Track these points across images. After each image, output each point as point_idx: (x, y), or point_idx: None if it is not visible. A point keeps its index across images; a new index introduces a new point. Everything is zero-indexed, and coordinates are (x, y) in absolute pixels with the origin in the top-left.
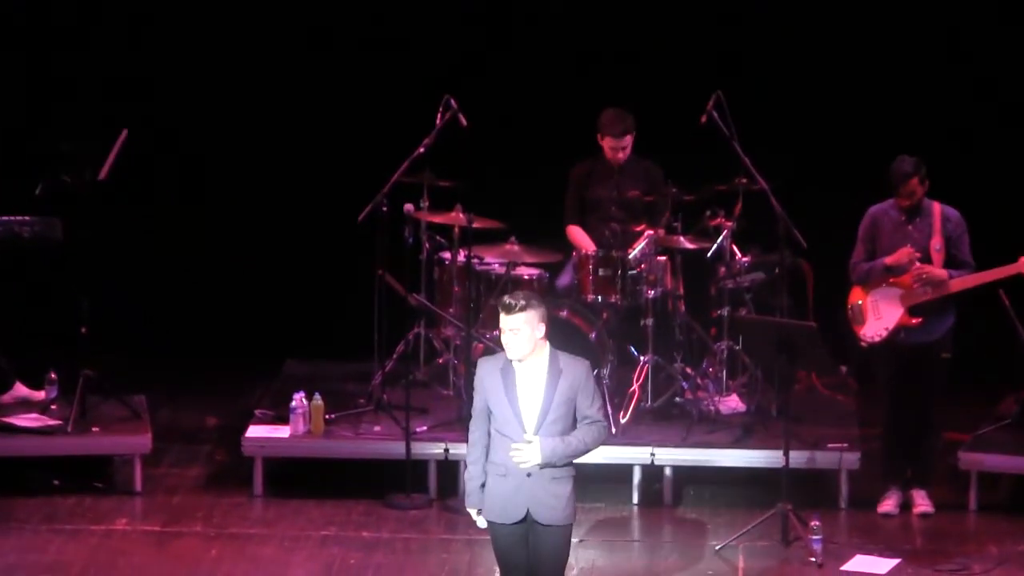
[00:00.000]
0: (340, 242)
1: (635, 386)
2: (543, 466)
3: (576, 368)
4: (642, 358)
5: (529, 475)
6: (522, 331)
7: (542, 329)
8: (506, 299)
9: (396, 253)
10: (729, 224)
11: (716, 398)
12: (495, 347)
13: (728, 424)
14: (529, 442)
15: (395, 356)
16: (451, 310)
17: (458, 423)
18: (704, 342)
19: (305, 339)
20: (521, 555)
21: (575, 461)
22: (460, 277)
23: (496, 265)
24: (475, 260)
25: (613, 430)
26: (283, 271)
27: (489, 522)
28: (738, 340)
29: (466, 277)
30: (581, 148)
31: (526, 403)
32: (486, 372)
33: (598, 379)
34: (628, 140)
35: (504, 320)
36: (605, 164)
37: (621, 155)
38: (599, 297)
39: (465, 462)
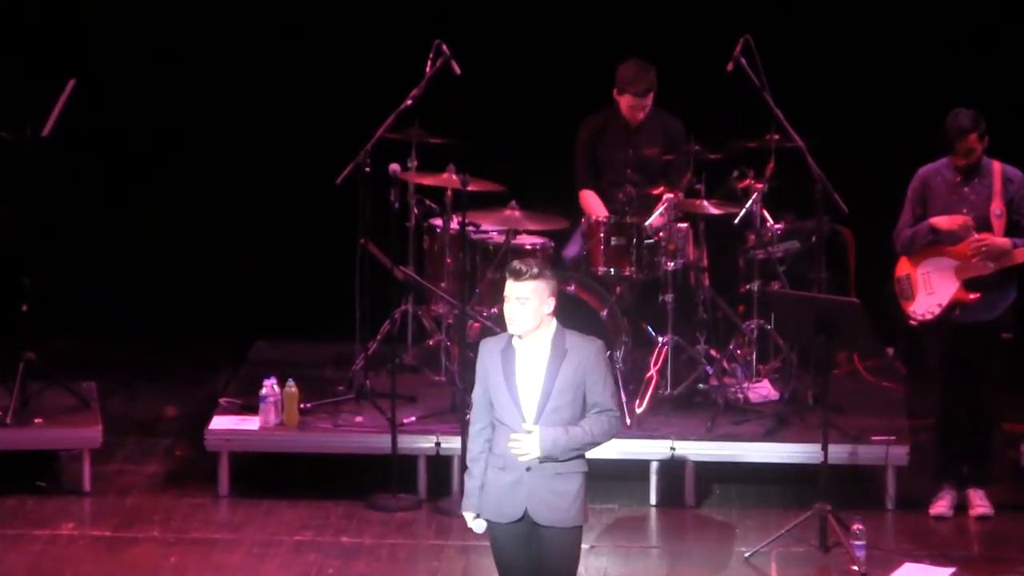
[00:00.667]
0: (316, 208)
1: (652, 371)
2: (543, 459)
3: (585, 349)
4: (660, 339)
5: (529, 469)
6: (529, 302)
7: (551, 304)
8: (515, 264)
9: (380, 220)
10: (759, 186)
11: (745, 384)
12: (493, 327)
13: (758, 414)
14: (528, 432)
15: (379, 337)
16: (443, 284)
17: (451, 413)
18: (731, 321)
19: (277, 318)
20: (522, 561)
21: (585, 456)
22: (453, 247)
23: (494, 233)
24: (470, 228)
25: (627, 421)
26: (252, 241)
27: (487, 522)
28: (770, 318)
29: (460, 247)
30: (592, 100)
31: (525, 388)
32: (486, 353)
33: (611, 362)
34: (650, 99)
35: (510, 287)
36: (620, 120)
37: (640, 114)
38: (611, 269)
39: (464, 459)
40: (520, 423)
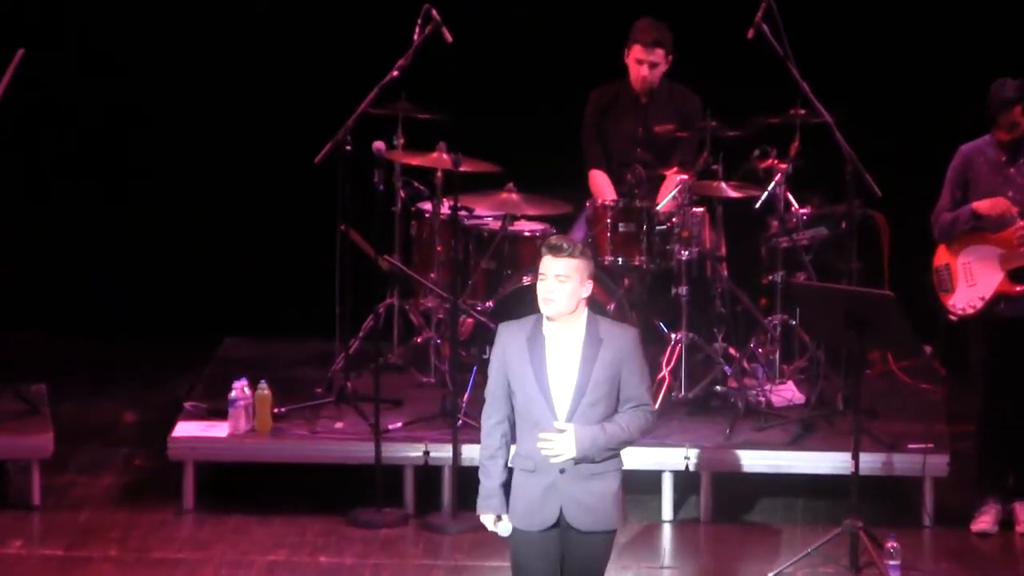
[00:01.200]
0: (292, 191)
1: (665, 371)
2: (579, 461)
3: (622, 337)
4: (673, 336)
5: (563, 471)
6: (569, 281)
7: (588, 288)
8: (555, 239)
9: (363, 204)
10: (783, 166)
11: (767, 386)
12: (487, 322)
13: (782, 419)
14: (561, 431)
15: (362, 334)
16: (432, 276)
17: (441, 418)
18: (752, 316)
19: (248, 312)
20: (548, 569)
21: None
22: (444, 234)
23: (489, 219)
24: (462, 213)
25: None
26: (220, 227)
27: (513, 529)
28: (795, 313)
29: (451, 234)
30: (601, 71)
31: (558, 380)
32: (509, 340)
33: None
34: (659, 55)
35: (549, 264)
36: (630, 92)
37: (648, 73)
38: (619, 259)
39: (479, 460)
40: (551, 420)
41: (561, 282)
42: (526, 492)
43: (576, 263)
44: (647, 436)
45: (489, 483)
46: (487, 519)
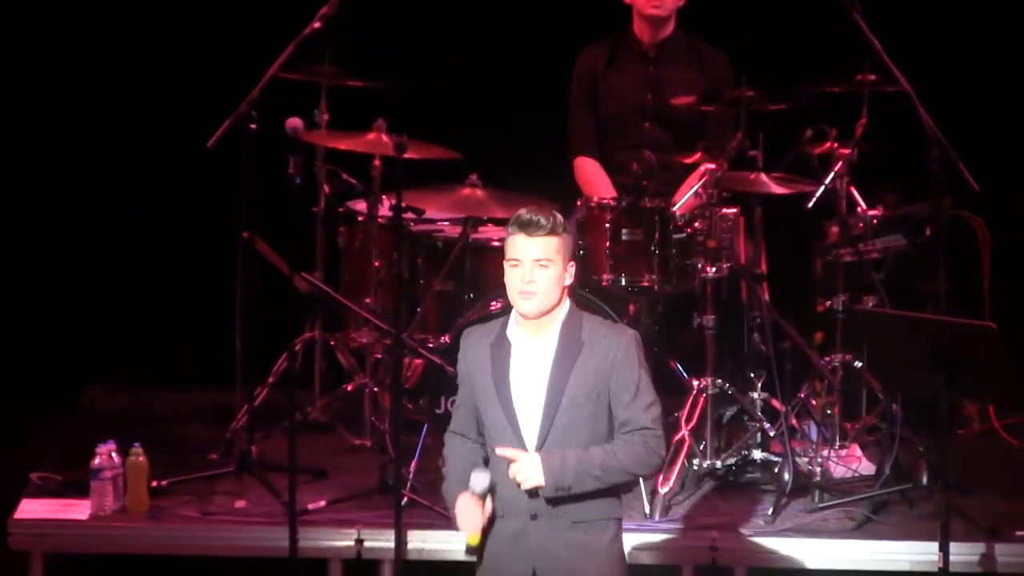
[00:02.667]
0: (176, 186)
1: (684, 431)
2: (552, 497)
3: (611, 339)
4: (695, 382)
5: (535, 516)
6: (553, 265)
7: (572, 271)
8: (526, 213)
9: (274, 202)
10: (845, 152)
11: (824, 452)
12: (444, 364)
13: (845, 497)
14: (473, 488)
15: (271, 380)
16: (368, 301)
17: (380, 495)
18: (803, 356)
19: (118, 352)
20: None
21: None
22: (383, 244)
23: (445, 224)
24: (409, 215)
25: (659, 496)
26: (77, 239)
27: None
28: (861, 352)
29: (394, 244)
30: (595, 29)
31: (525, 399)
32: (471, 348)
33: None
34: None
35: (523, 245)
36: (634, 45)
37: (657, 9)
38: (622, 278)
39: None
40: (517, 446)
41: (543, 267)
42: (493, 540)
43: (558, 241)
44: (654, 469)
45: (450, 490)
46: (461, 520)
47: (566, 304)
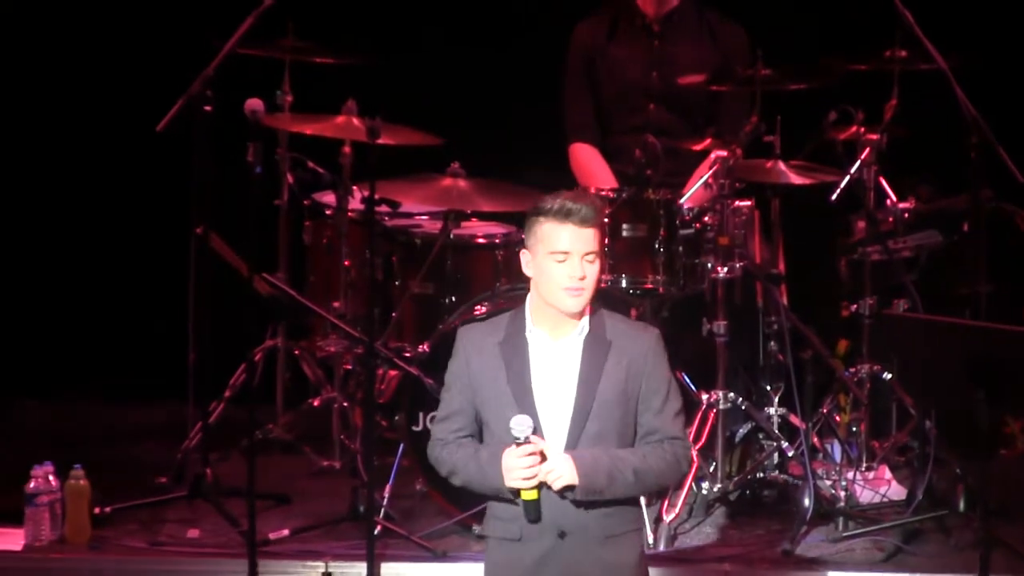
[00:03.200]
0: (122, 175)
1: (693, 450)
2: (583, 499)
3: (639, 340)
4: (704, 396)
5: (563, 535)
6: (599, 258)
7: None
8: (572, 202)
9: (231, 194)
10: (873, 138)
11: (849, 474)
12: (421, 376)
13: (873, 524)
14: (526, 440)
15: (228, 394)
16: (336, 305)
17: (350, 522)
18: (826, 366)
19: (54, 363)
20: None
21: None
22: (354, 241)
23: (424, 219)
24: (383, 209)
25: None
26: (12, 239)
27: None
28: (891, 361)
29: (366, 242)
30: (593, 3)
31: (549, 403)
32: (475, 350)
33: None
34: None
35: (573, 237)
36: (636, 17)
37: None
38: (623, 278)
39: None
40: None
41: (591, 262)
42: (511, 568)
43: (600, 233)
44: (681, 480)
45: (476, 457)
46: (515, 462)
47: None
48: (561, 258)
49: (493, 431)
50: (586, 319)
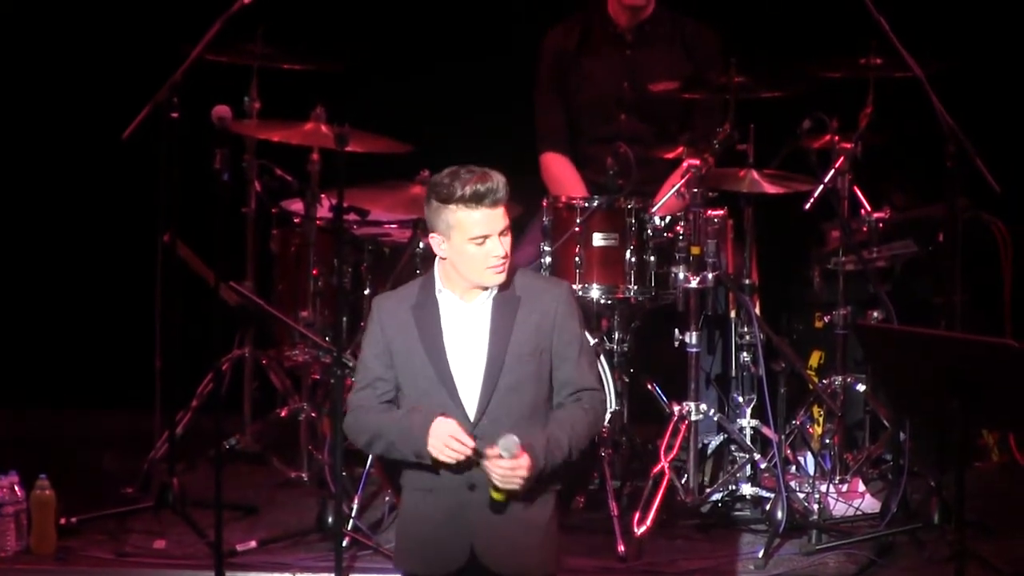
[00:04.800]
0: (87, 182)
1: (663, 463)
2: (523, 489)
3: (549, 293)
4: (676, 408)
5: (473, 486)
6: (509, 233)
7: None
8: (478, 183)
9: (197, 202)
10: (848, 146)
11: (822, 486)
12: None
13: (846, 537)
14: (503, 454)
15: (195, 403)
16: (304, 314)
17: (318, 534)
18: (799, 377)
19: (16, 371)
20: None
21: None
22: (322, 249)
23: (393, 227)
24: (352, 217)
25: (616, 516)
26: None
27: None
28: (865, 373)
29: (334, 250)
30: (565, 10)
31: (461, 359)
32: (388, 312)
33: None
34: None
35: (487, 220)
36: (608, 26)
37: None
38: (593, 287)
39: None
40: (458, 415)
41: (506, 235)
42: (421, 521)
43: (506, 204)
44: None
45: (397, 425)
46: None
47: None
48: (480, 241)
49: (407, 394)
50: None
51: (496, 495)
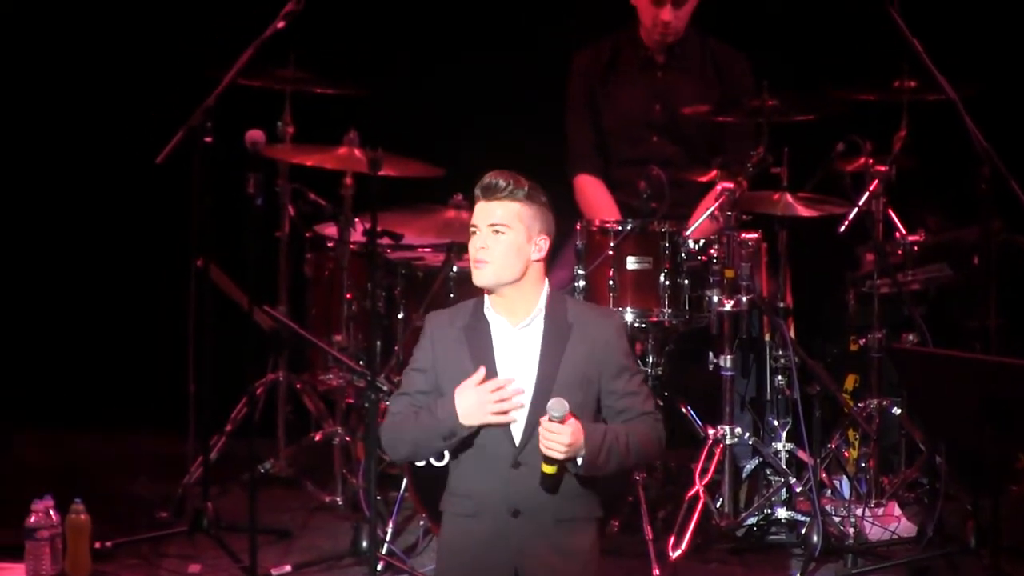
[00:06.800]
0: (121, 207)
1: (699, 487)
2: (585, 474)
3: (600, 323)
4: (711, 431)
5: (517, 513)
6: (512, 232)
7: (543, 246)
8: (487, 177)
9: (231, 226)
10: (882, 169)
11: (858, 510)
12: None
13: (881, 561)
14: (552, 414)
15: (229, 428)
16: (338, 338)
17: (352, 558)
18: (833, 400)
19: (52, 394)
20: None
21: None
22: (356, 273)
23: (427, 251)
24: (385, 241)
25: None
26: (8, 269)
27: None
28: (901, 396)
29: (368, 274)
30: (597, 27)
31: (512, 382)
32: (439, 331)
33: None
34: (689, 4)
35: (481, 211)
36: (639, 49)
37: (669, 11)
38: (627, 311)
39: (393, 439)
40: (502, 441)
41: (498, 235)
42: (464, 544)
43: (519, 207)
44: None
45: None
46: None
47: (545, 284)
48: (472, 231)
49: None
50: (542, 302)
51: (545, 467)
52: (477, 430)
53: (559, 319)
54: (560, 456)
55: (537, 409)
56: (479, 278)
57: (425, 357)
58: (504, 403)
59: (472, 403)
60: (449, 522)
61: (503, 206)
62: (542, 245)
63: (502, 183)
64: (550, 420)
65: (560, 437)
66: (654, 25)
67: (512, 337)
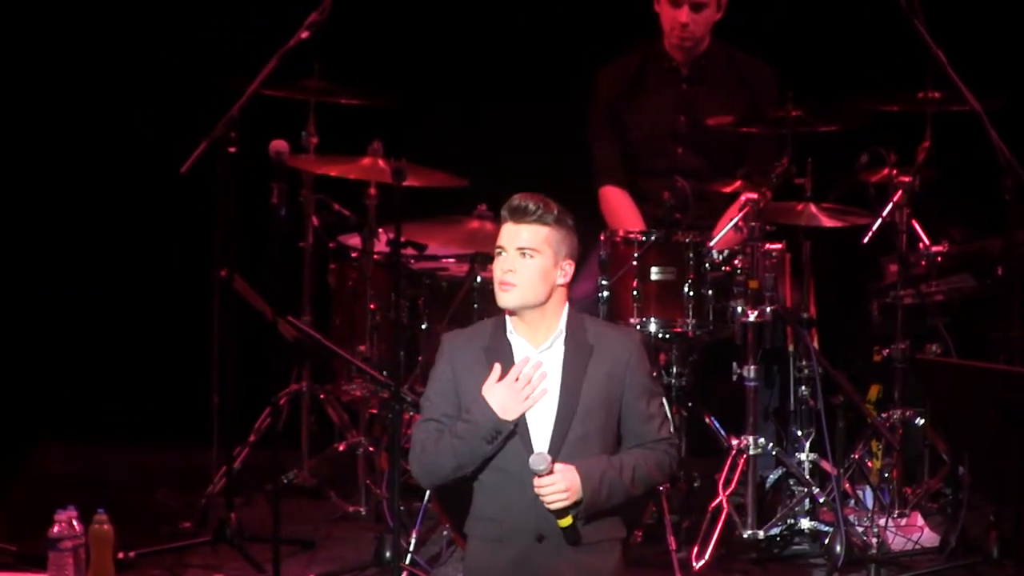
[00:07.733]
0: (145, 217)
1: (722, 497)
2: (584, 511)
3: (621, 344)
4: (734, 442)
5: (542, 538)
6: (540, 256)
7: (568, 271)
8: (516, 199)
9: (255, 236)
10: (906, 180)
11: (881, 520)
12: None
13: (905, 571)
14: (548, 470)
15: (252, 438)
16: (362, 348)
17: (376, 568)
18: (857, 411)
19: (78, 404)
20: None
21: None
22: (379, 284)
23: (451, 261)
24: (409, 251)
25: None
26: (33, 280)
27: None
28: (924, 407)
29: (392, 284)
30: (622, 40)
31: (532, 409)
32: (459, 355)
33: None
34: (708, 11)
35: (509, 233)
36: (663, 60)
37: (690, 19)
38: (651, 322)
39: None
40: (527, 465)
41: (527, 258)
42: (490, 568)
43: (547, 232)
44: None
45: (460, 433)
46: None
47: (565, 307)
48: (498, 252)
49: None
50: (562, 323)
51: (560, 522)
52: (497, 451)
53: (579, 340)
54: (567, 502)
55: (560, 433)
56: (504, 300)
57: (444, 379)
58: (531, 385)
59: (504, 396)
60: (475, 546)
61: (531, 229)
62: (568, 270)
63: (532, 206)
64: (539, 477)
65: (556, 486)
66: (672, 28)
67: (533, 357)
